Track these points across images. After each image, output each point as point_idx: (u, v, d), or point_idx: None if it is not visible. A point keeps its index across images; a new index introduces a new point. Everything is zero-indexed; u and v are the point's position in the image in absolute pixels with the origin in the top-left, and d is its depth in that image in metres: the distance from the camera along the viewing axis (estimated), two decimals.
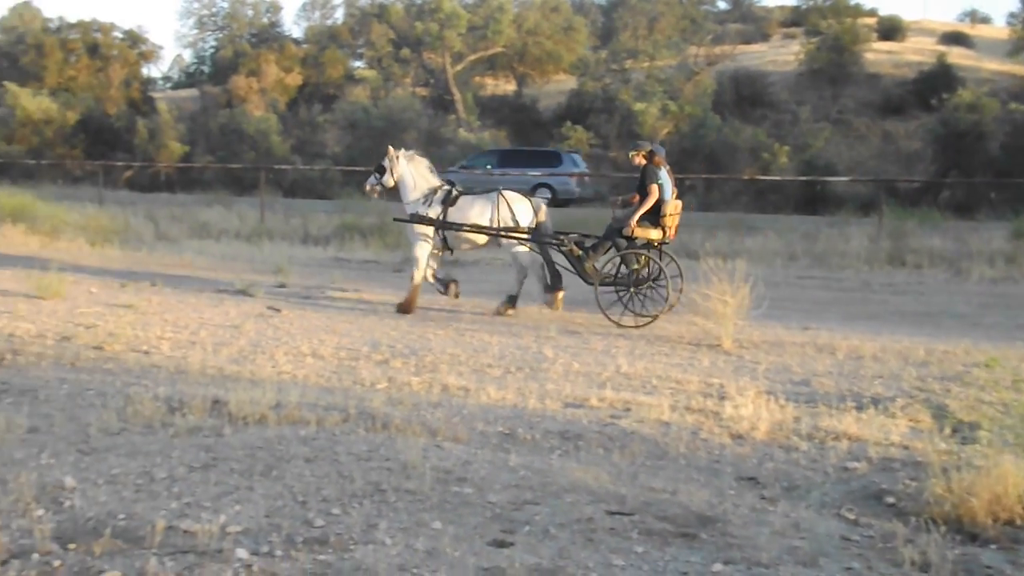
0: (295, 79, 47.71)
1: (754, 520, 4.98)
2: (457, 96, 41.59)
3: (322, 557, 4.31)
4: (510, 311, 11.78)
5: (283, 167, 35.24)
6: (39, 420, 6.33)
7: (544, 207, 12.19)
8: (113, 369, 8.09)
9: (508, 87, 48.70)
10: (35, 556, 4.17)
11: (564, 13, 44.69)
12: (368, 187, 12.78)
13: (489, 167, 31.37)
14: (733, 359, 9.40)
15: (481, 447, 6.15)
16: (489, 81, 48.97)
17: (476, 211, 11.84)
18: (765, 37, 59.32)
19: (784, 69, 44.47)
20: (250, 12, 63.99)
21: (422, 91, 45.91)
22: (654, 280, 11.45)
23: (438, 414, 6.86)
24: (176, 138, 42.32)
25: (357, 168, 33.04)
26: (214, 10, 65.43)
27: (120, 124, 44.59)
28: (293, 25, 67.54)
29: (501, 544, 4.55)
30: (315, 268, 16.50)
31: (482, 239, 11.95)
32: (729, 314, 9.85)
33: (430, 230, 11.97)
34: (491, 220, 11.71)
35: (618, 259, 11.56)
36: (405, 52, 46.81)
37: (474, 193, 12.48)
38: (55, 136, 43.36)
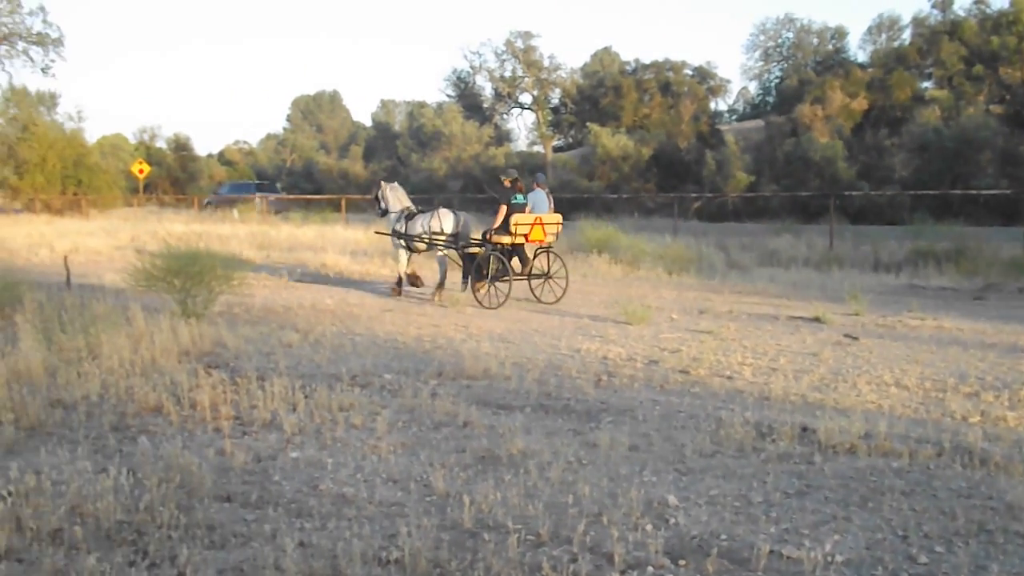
0: (861, 104, 46.85)
1: None
2: None
3: None
4: (439, 296, 15.40)
5: (850, 193, 34.69)
6: (638, 439, 6.70)
7: (464, 219, 15.69)
8: (700, 393, 8.37)
9: None
10: (649, 569, 4.42)
11: None
12: (379, 213, 16.80)
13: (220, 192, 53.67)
14: None
15: None
16: None
17: (419, 224, 15.62)
18: None
19: None
20: (815, 40, 63.98)
21: (997, 108, 43.09)
22: (501, 274, 14.77)
23: None
24: (742, 168, 43.22)
25: (928, 192, 31.74)
26: (779, 41, 66.19)
27: (690, 157, 46.39)
28: (858, 50, 66.30)
29: None
30: (887, 296, 16.05)
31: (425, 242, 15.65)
32: None
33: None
34: (427, 228, 15.42)
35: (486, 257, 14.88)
36: (978, 68, 44.24)
37: (423, 212, 16.03)
38: (631, 171, 45.93)
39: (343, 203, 41.85)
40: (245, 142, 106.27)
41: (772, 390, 8.41)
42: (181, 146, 79.19)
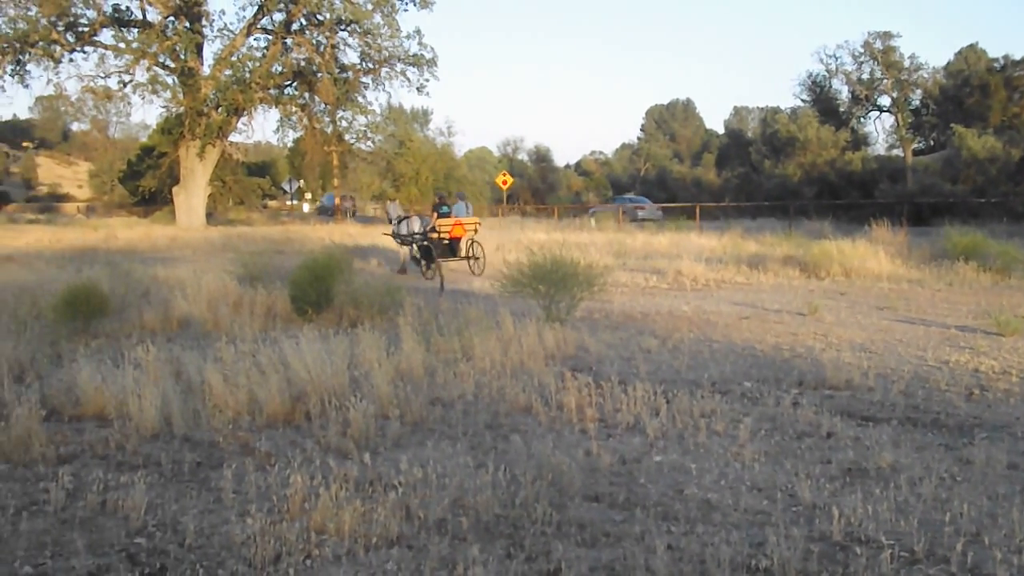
0: None
1: None
2: None
3: None
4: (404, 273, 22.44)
5: None
6: (1017, 457, 6.37)
7: (425, 221, 21.73)
8: None
9: None
10: None
11: None
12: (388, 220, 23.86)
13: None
14: None
15: None
16: None
17: (404, 226, 21.97)
18: None
19: None
20: None
21: None
22: (439, 257, 20.71)
23: None
24: None
25: None
26: None
27: None
28: None
29: None
30: None
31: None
32: None
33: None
34: (408, 229, 21.80)
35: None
36: None
37: (407, 218, 22.33)
38: (999, 174, 43.31)
39: (697, 211, 41.93)
40: (601, 152, 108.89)
41: None
42: (541, 157, 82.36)
